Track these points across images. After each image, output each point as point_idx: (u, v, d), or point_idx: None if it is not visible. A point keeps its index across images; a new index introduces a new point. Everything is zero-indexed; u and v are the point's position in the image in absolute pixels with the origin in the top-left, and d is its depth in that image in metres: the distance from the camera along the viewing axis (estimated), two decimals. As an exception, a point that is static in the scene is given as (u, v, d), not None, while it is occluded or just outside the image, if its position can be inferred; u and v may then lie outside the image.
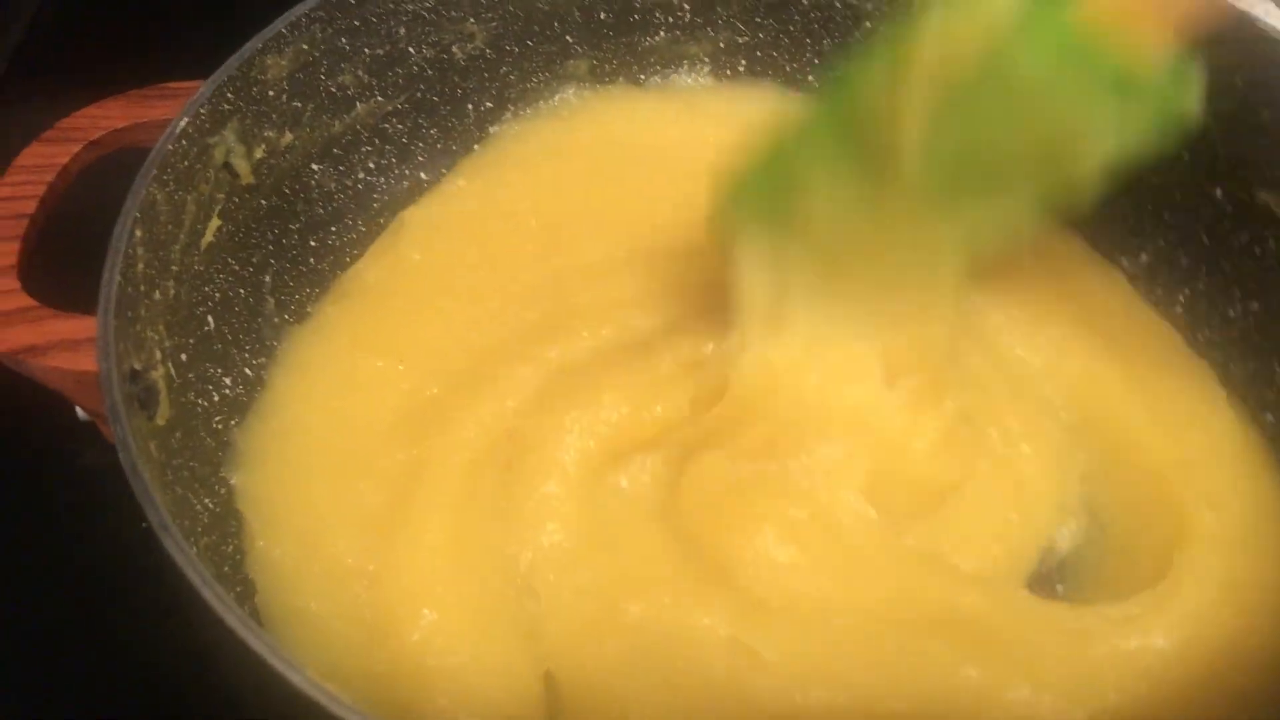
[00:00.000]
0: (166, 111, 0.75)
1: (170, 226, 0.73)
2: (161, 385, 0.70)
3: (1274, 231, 0.83)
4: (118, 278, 0.65)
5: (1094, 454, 0.82)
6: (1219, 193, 0.87)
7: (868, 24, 0.99)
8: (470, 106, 0.98)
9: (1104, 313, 0.89)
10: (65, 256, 0.70)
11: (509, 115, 1.00)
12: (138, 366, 0.66)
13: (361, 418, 0.81)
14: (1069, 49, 0.55)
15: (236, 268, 0.83)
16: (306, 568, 0.72)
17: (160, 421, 0.68)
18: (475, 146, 0.99)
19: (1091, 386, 0.84)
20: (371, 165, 0.94)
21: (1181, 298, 0.90)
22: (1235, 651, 0.69)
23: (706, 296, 0.80)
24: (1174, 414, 0.82)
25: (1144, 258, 0.93)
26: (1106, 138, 0.57)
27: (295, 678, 0.50)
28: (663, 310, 0.84)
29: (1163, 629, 0.70)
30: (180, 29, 1.13)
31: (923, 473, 0.76)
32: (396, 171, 0.95)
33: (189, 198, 0.75)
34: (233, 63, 0.77)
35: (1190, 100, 0.58)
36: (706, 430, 0.75)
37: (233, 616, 0.52)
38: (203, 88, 0.76)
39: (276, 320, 0.86)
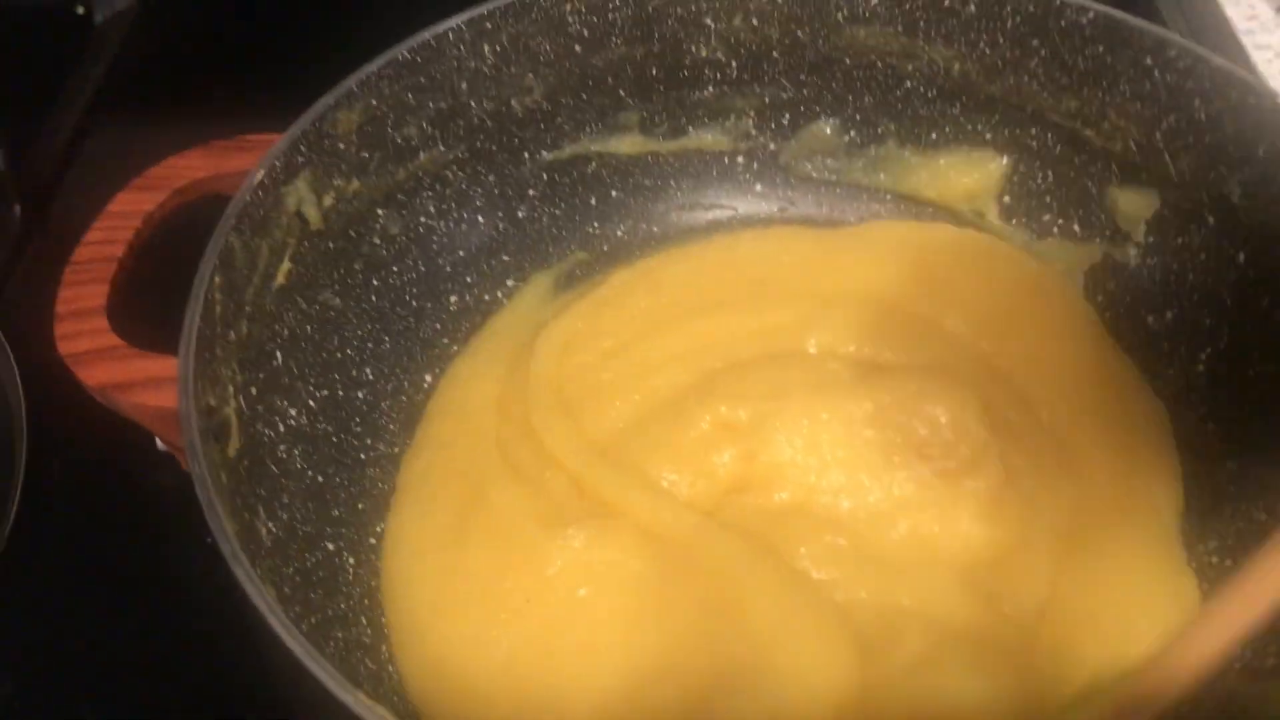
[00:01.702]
0: (245, 162, 0.81)
1: (245, 271, 0.80)
2: (233, 419, 0.75)
3: (1293, 296, 0.86)
4: (198, 321, 0.71)
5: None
6: (1242, 257, 0.90)
7: (908, 84, 1.03)
8: (526, 155, 1.03)
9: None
10: (150, 298, 0.76)
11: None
12: (213, 402, 0.73)
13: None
14: None
15: (304, 306, 0.89)
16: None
17: (230, 453, 0.74)
18: (530, 191, 1.04)
19: None
20: (432, 209, 0.99)
21: (1204, 355, 0.93)
22: None
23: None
24: None
25: (1169, 316, 0.96)
26: None
27: (349, 699, 0.56)
28: None
29: None
30: (259, 83, 1.20)
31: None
32: (455, 215, 1.01)
33: (263, 244, 0.82)
34: (306, 118, 0.84)
35: None
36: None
37: (294, 640, 0.57)
38: (279, 142, 0.82)
39: (340, 355, 0.92)
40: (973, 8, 0.97)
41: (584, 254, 1.07)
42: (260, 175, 0.80)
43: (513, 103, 0.99)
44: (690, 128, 1.08)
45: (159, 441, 0.77)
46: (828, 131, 1.08)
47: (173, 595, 0.85)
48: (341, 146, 0.88)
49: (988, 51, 0.98)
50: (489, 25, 0.94)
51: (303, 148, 0.84)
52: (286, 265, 0.85)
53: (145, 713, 0.82)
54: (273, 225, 0.83)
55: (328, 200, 0.88)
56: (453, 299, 1.01)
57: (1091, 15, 0.92)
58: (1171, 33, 0.90)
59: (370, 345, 0.95)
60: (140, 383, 0.72)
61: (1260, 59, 1.30)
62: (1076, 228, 1.02)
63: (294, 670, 0.56)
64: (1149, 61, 0.91)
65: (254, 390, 0.82)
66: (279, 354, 0.86)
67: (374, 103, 0.89)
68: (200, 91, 1.25)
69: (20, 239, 1.15)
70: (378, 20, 0.99)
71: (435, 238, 1.00)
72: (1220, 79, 0.87)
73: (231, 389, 0.77)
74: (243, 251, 0.79)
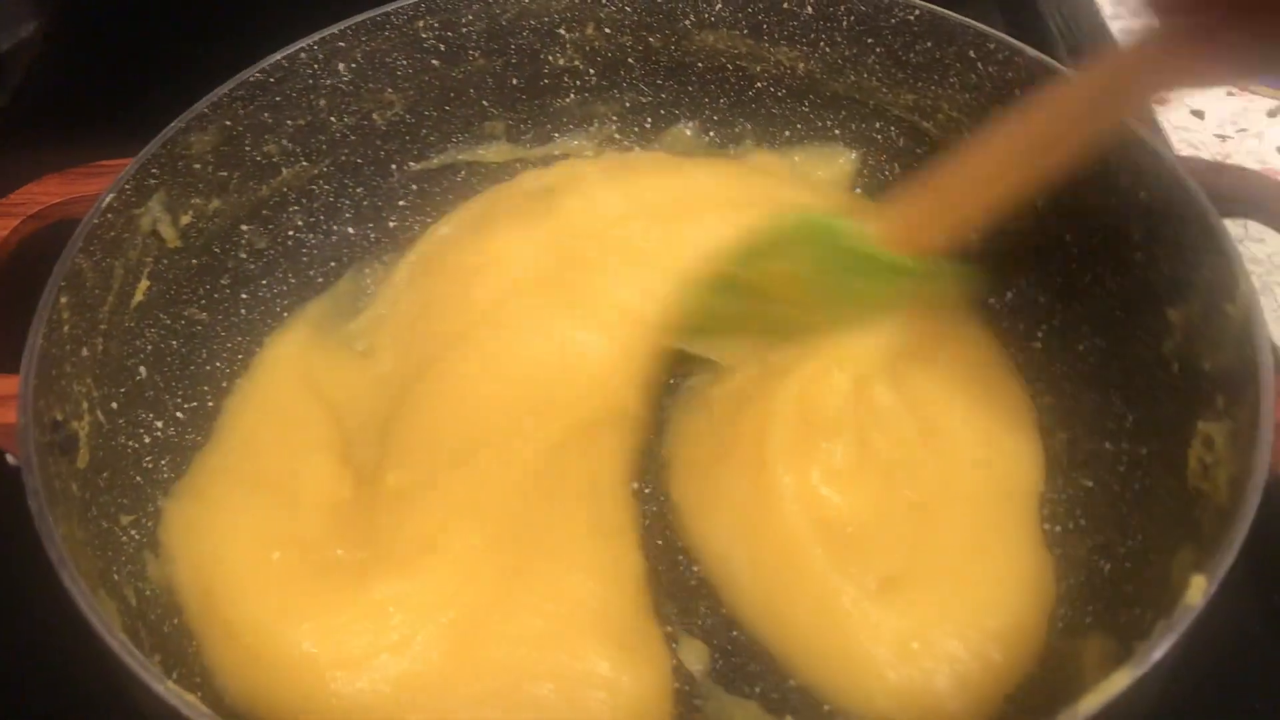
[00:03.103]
0: (99, 186, 0.85)
1: (98, 290, 0.83)
2: (83, 433, 0.79)
3: (1111, 272, 0.90)
4: (40, 341, 0.74)
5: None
6: (1068, 237, 0.94)
7: (759, 84, 1.08)
8: (394, 166, 1.07)
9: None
10: (3, 321, 0.79)
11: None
12: (59, 417, 0.76)
13: (292, 454, 0.90)
14: (866, 255, 0.86)
15: (168, 321, 0.92)
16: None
17: (80, 465, 0.78)
18: (400, 202, 1.08)
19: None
20: (300, 223, 1.03)
21: (1040, 333, 0.98)
22: None
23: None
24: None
25: (1010, 296, 1.00)
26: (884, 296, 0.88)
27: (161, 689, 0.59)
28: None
29: None
30: (119, 107, 1.23)
31: None
32: (325, 228, 1.05)
33: (116, 264, 0.85)
34: (156, 142, 0.87)
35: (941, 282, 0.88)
36: None
37: (113, 639, 0.61)
38: (128, 166, 0.85)
39: (209, 368, 0.96)
40: (810, 9, 1.01)
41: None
42: (109, 198, 0.83)
43: (374, 117, 1.03)
44: (555, 134, 1.12)
45: (9, 457, 0.80)
46: (688, 133, 1.12)
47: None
48: (197, 167, 0.91)
49: (828, 50, 1.03)
50: (342, 44, 0.97)
51: (154, 170, 0.87)
52: (145, 283, 0.88)
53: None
54: (126, 245, 0.86)
55: (185, 219, 0.91)
56: (326, 308, 1.04)
57: (918, 13, 0.97)
58: (989, 27, 0.94)
59: (241, 357, 0.98)
60: (-20, 402, 0.75)
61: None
62: (923, 216, 1.05)
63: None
64: (972, 54, 0.95)
65: (114, 405, 0.85)
66: (143, 369, 0.89)
67: (228, 123, 0.93)
68: (93, 114, 1.28)
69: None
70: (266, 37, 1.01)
71: (305, 250, 1.04)
72: (1035, 68, 0.92)
73: (85, 404, 0.81)
74: (93, 272, 0.82)
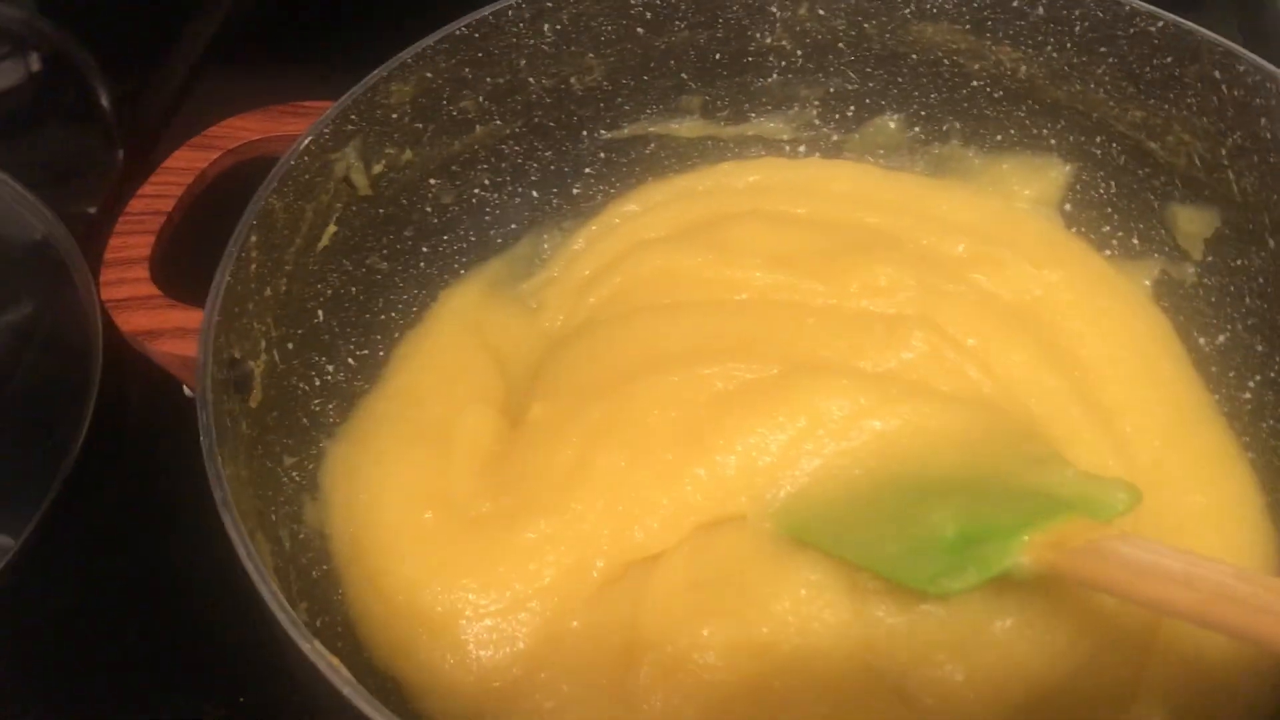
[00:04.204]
0: (299, 127, 0.85)
1: (286, 231, 0.84)
2: (258, 372, 0.80)
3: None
4: (227, 278, 0.75)
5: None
6: (1300, 283, 0.87)
7: (974, 83, 1.02)
8: (585, 133, 1.05)
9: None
10: (195, 252, 0.81)
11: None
12: (237, 355, 0.77)
13: (454, 403, 0.90)
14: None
15: (350, 268, 0.93)
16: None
17: (253, 404, 0.78)
18: (586, 170, 1.06)
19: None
20: (486, 182, 1.02)
21: (1252, 384, 0.90)
22: None
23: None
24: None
25: (1221, 339, 0.93)
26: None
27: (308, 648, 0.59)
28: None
29: None
30: (325, 49, 1.24)
31: None
32: (510, 188, 1.04)
33: (308, 207, 0.86)
34: (358, 89, 0.87)
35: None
36: None
37: (267, 589, 0.61)
38: (328, 110, 0.85)
39: (383, 317, 0.96)
40: (1041, 10, 0.95)
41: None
42: (307, 141, 0.84)
43: (572, 81, 1.01)
44: (753, 114, 1.08)
45: (186, 389, 0.81)
46: (892, 126, 1.07)
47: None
48: (395, 117, 0.91)
49: (1055, 55, 0.96)
50: (549, 4, 0.96)
51: (353, 116, 0.87)
52: (332, 228, 0.89)
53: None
54: (319, 189, 0.86)
55: (378, 168, 0.92)
56: (502, 269, 1.03)
57: (1161, 24, 0.90)
58: (1240, 47, 0.86)
59: (415, 309, 0.98)
60: (169, 332, 0.76)
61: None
62: (1135, 241, 0.99)
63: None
64: (1217, 75, 0.88)
65: (290, 346, 0.86)
66: (320, 312, 0.90)
67: (429, 76, 0.92)
68: (299, 53, 1.30)
69: (122, 183, 1.21)
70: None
71: (488, 209, 1.03)
72: (1288, 98, 0.84)
73: (264, 343, 0.82)
74: (284, 213, 0.83)
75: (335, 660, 0.59)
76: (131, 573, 0.95)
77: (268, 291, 0.82)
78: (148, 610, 0.93)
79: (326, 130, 0.85)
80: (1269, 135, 0.85)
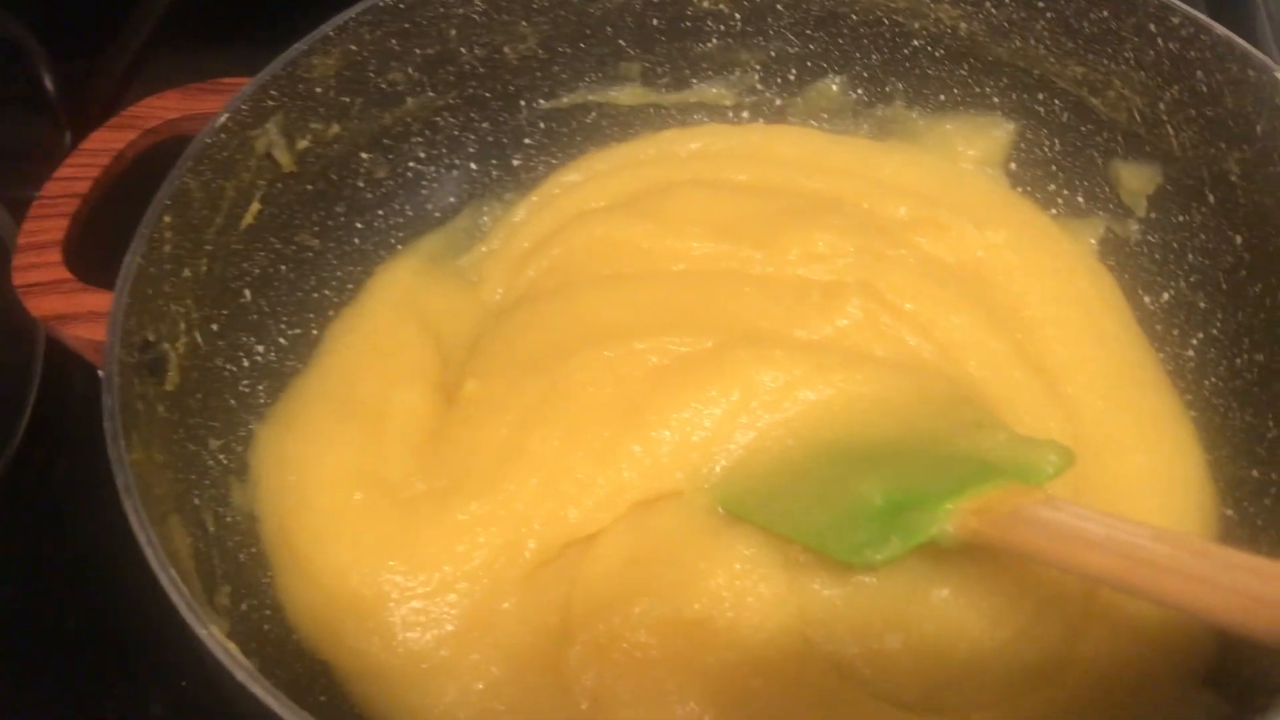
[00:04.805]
0: (218, 104, 0.83)
1: (206, 211, 0.82)
2: (177, 354, 0.78)
3: (1283, 283, 0.81)
4: (138, 260, 0.74)
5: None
6: (1239, 239, 0.85)
7: (915, 42, 1.00)
8: (523, 103, 1.03)
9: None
10: (110, 235, 0.79)
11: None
12: (151, 337, 0.75)
13: (388, 381, 0.89)
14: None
15: (278, 246, 0.91)
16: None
17: (170, 387, 0.77)
18: (526, 140, 1.04)
19: None
20: (421, 155, 1.00)
21: (1195, 341, 0.89)
22: None
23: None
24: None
25: (1166, 297, 0.92)
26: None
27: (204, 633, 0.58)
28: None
29: None
30: (249, 24, 1.22)
31: None
32: (447, 161, 1.02)
33: (227, 185, 0.84)
34: (276, 64, 0.85)
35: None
36: None
37: (164, 572, 0.60)
38: (245, 86, 0.84)
39: (316, 295, 0.95)
40: (978, -35, 0.93)
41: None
42: (223, 118, 0.82)
43: (506, 50, 0.99)
44: (694, 80, 1.06)
45: (101, 372, 0.80)
46: (834, 88, 1.05)
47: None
48: (318, 90, 0.89)
49: (994, 11, 0.95)
50: (477, -28, 0.94)
51: (273, 92, 0.86)
52: (256, 206, 0.87)
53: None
54: (239, 167, 0.85)
55: (303, 143, 0.90)
56: (440, 243, 1.02)
57: (1096, -22, 0.88)
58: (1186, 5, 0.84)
59: (350, 287, 0.97)
60: (82, 316, 0.75)
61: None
62: (1080, 199, 0.98)
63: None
64: (1152, 28, 0.86)
65: (215, 327, 0.85)
66: (248, 292, 0.89)
67: (353, 49, 0.90)
68: (222, 30, 1.27)
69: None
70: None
71: (424, 183, 1.01)
72: (1221, 49, 0.82)
73: (183, 325, 0.80)
74: (202, 192, 0.81)
75: (232, 646, 0.58)
76: (72, 560, 0.94)
77: (186, 272, 0.81)
78: (89, 598, 0.92)
79: (244, 107, 0.83)
80: (1205, 88, 0.84)
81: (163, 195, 0.77)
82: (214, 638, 0.58)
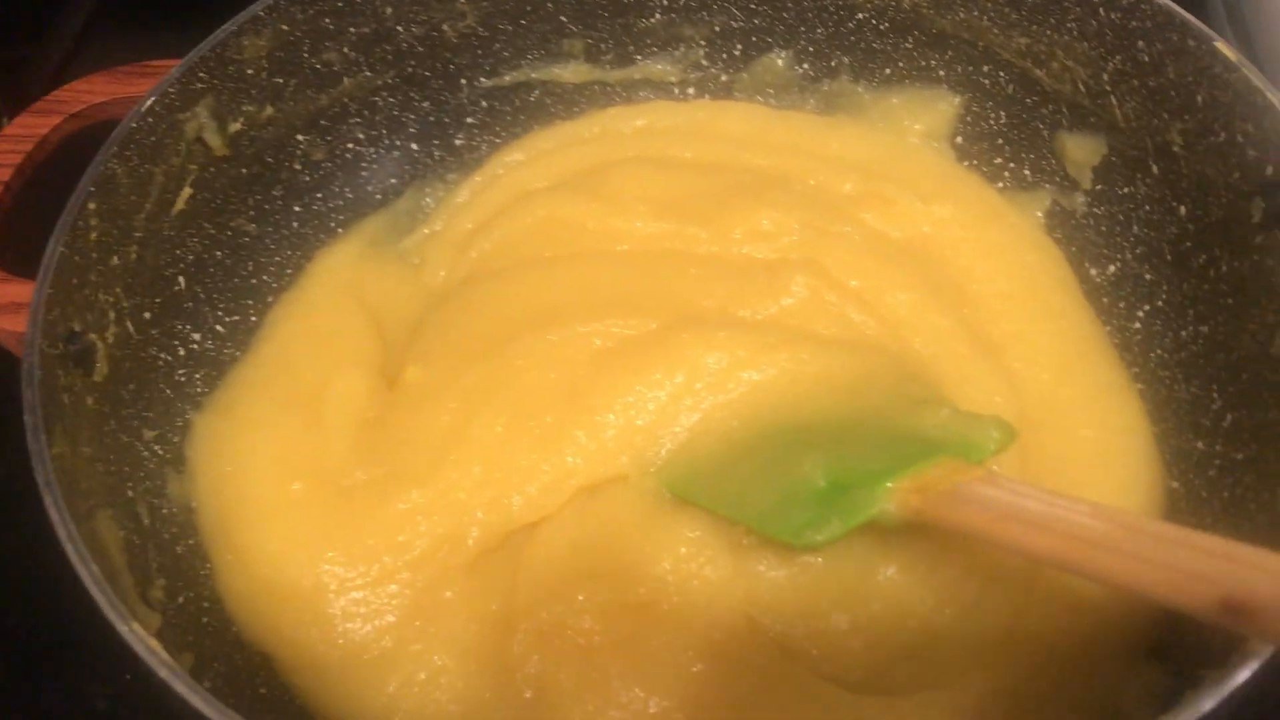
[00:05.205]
0: (144, 88, 0.81)
1: (134, 197, 0.80)
2: (106, 344, 0.77)
3: (1228, 255, 0.81)
4: (60, 249, 0.72)
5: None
6: (1183, 210, 0.85)
7: (860, 15, 0.99)
8: (464, 81, 1.02)
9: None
10: (36, 223, 0.77)
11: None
12: (77, 328, 0.74)
13: (328, 367, 0.87)
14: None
15: (213, 231, 0.89)
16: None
17: (98, 378, 0.75)
18: (468, 119, 1.03)
19: None
20: (361, 136, 0.99)
21: (1141, 313, 0.89)
22: None
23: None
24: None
25: (1112, 269, 0.91)
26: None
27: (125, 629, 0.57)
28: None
29: None
30: (179, 6, 1.19)
31: None
32: (387, 142, 1.01)
33: (156, 170, 0.82)
34: (204, 46, 0.83)
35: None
36: None
37: (86, 570, 0.59)
38: (174, 69, 0.82)
39: (254, 281, 0.93)
40: (920, -64, 0.92)
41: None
42: (150, 102, 0.80)
43: (445, 27, 0.98)
44: (638, 57, 1.05)
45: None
46: (780, 63, 1.04)
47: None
48: (250, 72, 0.88)
49: (938, -17, 0.94)
50: (411, -52, 0.92)
51: (202, 75, 0.84)
52: (188, 191, 0.86)
53: None
54: (169, 151, 0.83)
55: (235, 126, 0.88)
56: (382, 225, 1.00)
57: (1037, -52, 0.87)
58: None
59: (289, 272, 0.95)
60: (3, 307, 0.73)
61: None
62: (1027, 172, 0.97)
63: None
64: (1094, -2, 0.85)
65: (147, 315, 0.83)
66: (182, 279, 0.87)
67: (284, 29, 0.88)
68: (151, 12, 1.25)
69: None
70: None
71: (364, 164, 1.00)
72: (1161, 19, 0.82)
73: (113, 314, 0.78)
74: (129, 177, 0.79)
75: (155, 643, 0.57)
76: (9, 555, 0.92)
77: (115, 260, 0.79)
78: (30, 592, 0.91)
79: (172, 90, 0.82)
80: (1146, 59, 0.83)
81: (86, 182, 0.75)
82: (136, 634, 0.57)
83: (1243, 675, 0.56)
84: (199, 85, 0.84)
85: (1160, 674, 0.71)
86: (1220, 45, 0.78)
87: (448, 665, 0.75)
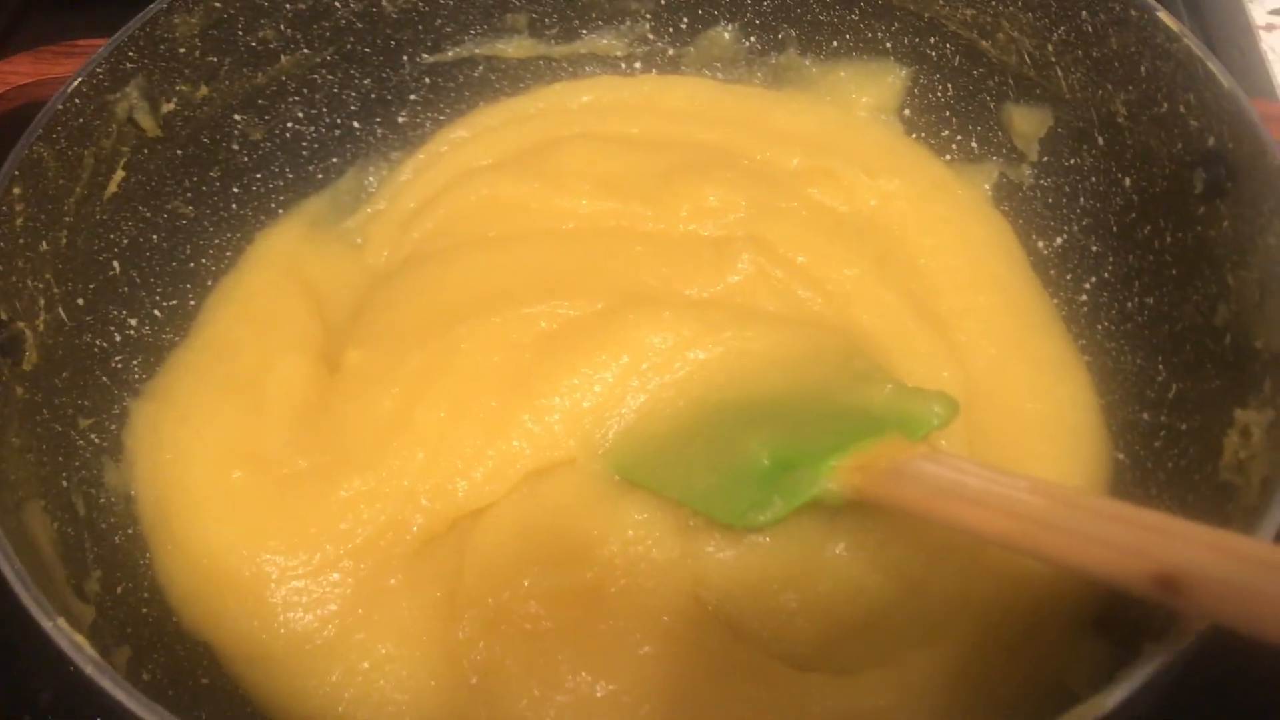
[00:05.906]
0: (71, 69, 0.80)
1: (62, 181, 0.78)
2: (35, 332, 0.75)
3: (1171, 226, 0.80)
4: (-18, 235, 0.70)
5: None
6: (1128, 182, 0.84)
7: (808, -16, 0.98)
8: (405, 58, 1.00)
9: None
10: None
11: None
12: (4, 316, 0.72)
13: (269, 351, 0.86)
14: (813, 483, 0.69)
15: (148, 214, 0.87)
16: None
17: (27, 367, 0.74)
18: (411, 96, 1.01)
19: None
20: (300, 115, 0.97)
21: (1088, 285, 0.89)
22: None
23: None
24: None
25: (1059, 241, 0.91)
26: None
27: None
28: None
29: None
30: None
31: None
32: (327, 120, 0.99)
33: (86, 153, 0.80)
34: (133, 24, 0.81)
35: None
36: None
37: (10, 568, 0.57)
38: (101, 49, 0.80)
39: (192, 264, 0.91)
40: (864, -95, 0.91)
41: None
42: (77, 83, 0.78)
43: (384, 3, 0.96)
44: (583, 31, 1.04)
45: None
46: (727, 36, 1.03)
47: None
48: (182, 51, 0.86)
49: (883, -47, 0.93)
50: (345, -79, 0.90)
51: (131, 54, 0.82)
52: (120, 174, 0.84)
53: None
54: (98, 133, 0.81)
55: (169, 107, 0.86)
56: (323, 206, 0.99)
57: (980, -83, 0.86)
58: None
59: (229, 254, 0.93)
60: (-78, 301, 0.71)
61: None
62: (974, 145, 0.97)
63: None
64: (1039, -33, 0.85)
65: (80, 301, 0.81)
66: (116, 264, 0.85)
67: (217, 6, 0.86)
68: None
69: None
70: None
71: (304, 143, 0.98)
72: (1105, -11, 0.81)
73: (43, 301, 0.77)
74: (56, 161, 0.77)
75: (81, 639, 0.56)
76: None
77: (44, 246, 0.77)
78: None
79: (100, 70, 0.80)
80: (1090, 29, 0.83)
81: (10, 166, 0.74)
82: (60, 630, 0.56)
83: (1182, 647, 0.56)
84: (128, 65, 0.82)
85: (1106, 646, 0.71)
86: (1162, 15, 0.78)
87: (392, 653, 0.74)
